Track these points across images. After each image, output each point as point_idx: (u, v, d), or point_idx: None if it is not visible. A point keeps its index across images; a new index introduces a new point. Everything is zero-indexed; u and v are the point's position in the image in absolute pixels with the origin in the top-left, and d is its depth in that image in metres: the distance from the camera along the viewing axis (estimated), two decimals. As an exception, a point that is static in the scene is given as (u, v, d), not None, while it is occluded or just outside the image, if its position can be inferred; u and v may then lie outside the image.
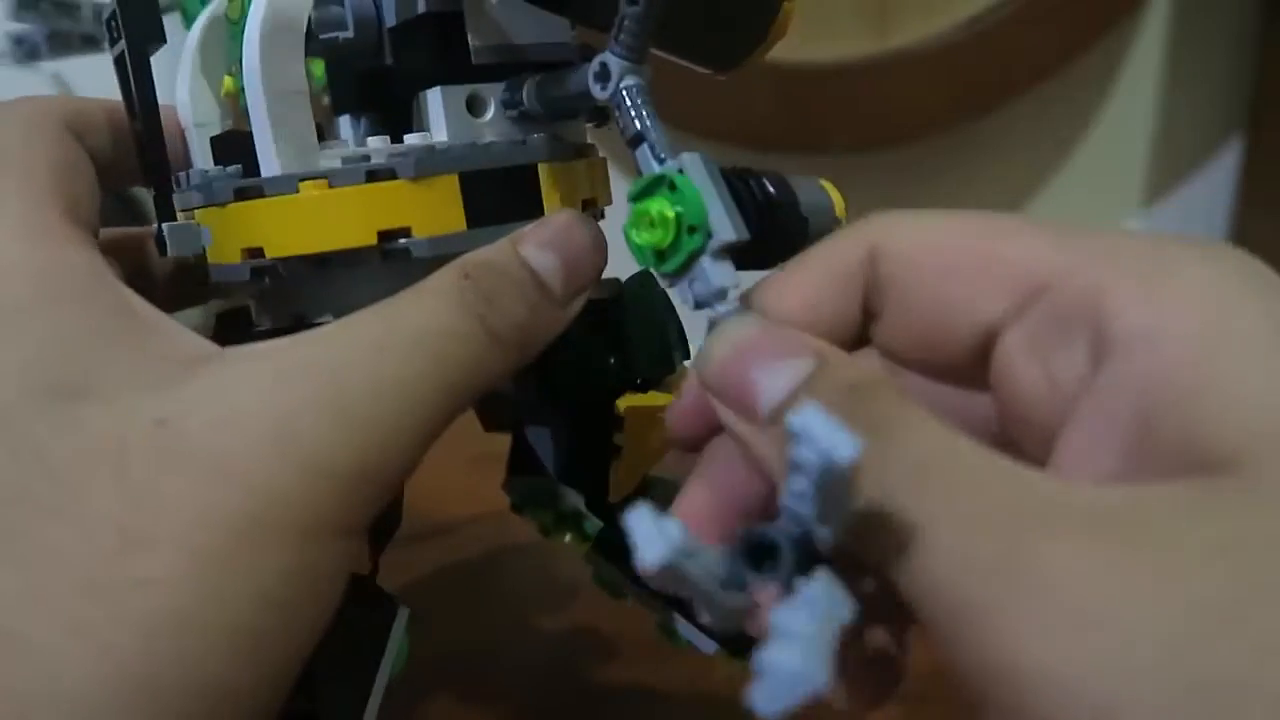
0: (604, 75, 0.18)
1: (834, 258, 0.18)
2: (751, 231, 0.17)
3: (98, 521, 0.15)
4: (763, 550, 0.14)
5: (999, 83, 0.53)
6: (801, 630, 0.12)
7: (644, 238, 0.17)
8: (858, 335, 0.18)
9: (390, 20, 0.21)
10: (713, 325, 0.17)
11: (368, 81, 0.22)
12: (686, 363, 0.24)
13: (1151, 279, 0.14)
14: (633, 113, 0.18)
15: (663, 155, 0.18)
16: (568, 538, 0.27)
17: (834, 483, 0.13)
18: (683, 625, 0.24)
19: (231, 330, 0.23)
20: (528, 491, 0.26)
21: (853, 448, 0.12)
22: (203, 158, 0.22)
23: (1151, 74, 0.58)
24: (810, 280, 0.17)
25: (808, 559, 0.13)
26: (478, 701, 0.30)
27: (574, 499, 0.25)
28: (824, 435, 0.12)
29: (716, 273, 0.17)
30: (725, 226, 0.17)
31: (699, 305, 0.17)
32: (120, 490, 0.16)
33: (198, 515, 0.15)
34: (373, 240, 0.19)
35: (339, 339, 0.17)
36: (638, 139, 0.18)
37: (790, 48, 0.57)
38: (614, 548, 0.24)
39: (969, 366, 0.17)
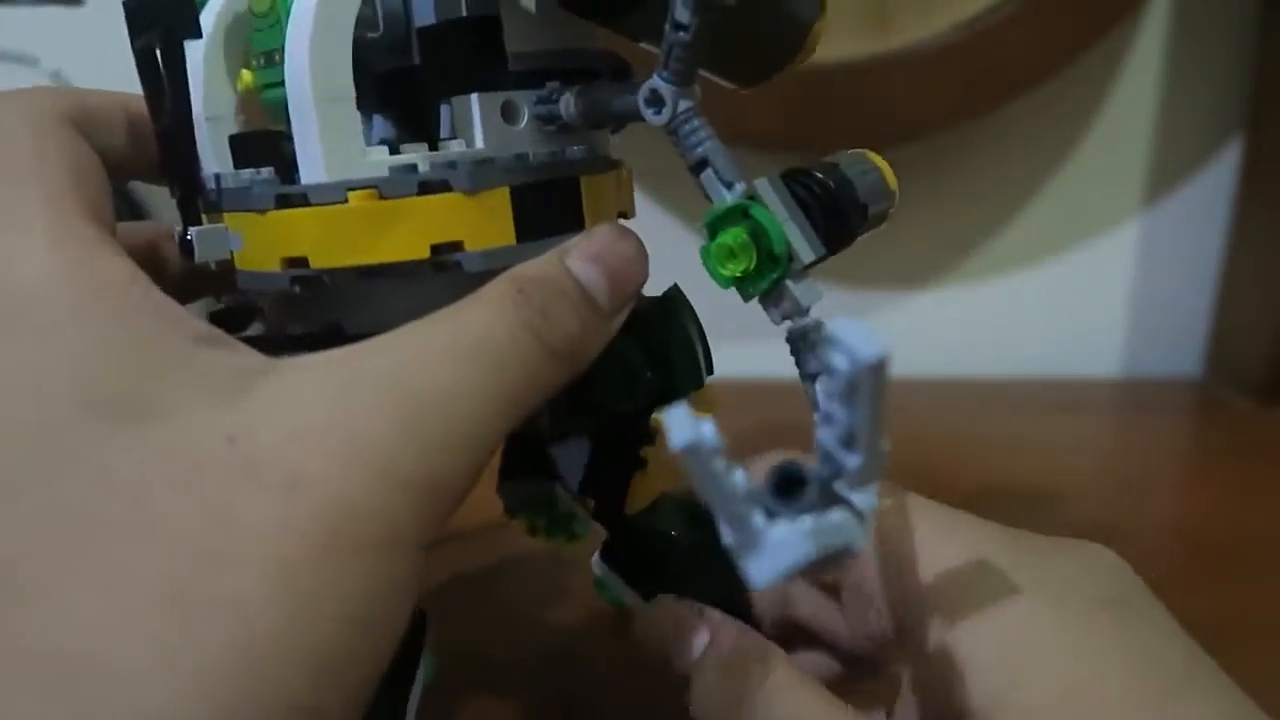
0: (656, 101, 0.18)
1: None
2: (826, 241, 0.18)
3: (178, 541, 0.15)
4: (791, 481, 0.14)
5: (999, 83, 0.53)
6: (809, 525, 0.14)
7: (728, 269, 0.18)
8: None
9: (421, 20, 0.20)
10: (792, 336, 0.18)
11: (389, 80, 0.21)
12: (709, 379, 0.24)
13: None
14: (694, 139, 0.18)
15: (730, 180, 0.18)
16: (558, 539, 0.27)
17: (861, 391, 0.13)
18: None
19: (224, 329, 0.23)
20: (522, 495, 0.26)
21: (879, 347, 0.13)
22: (214, 153, 0.21)
23: (1151, 74, 0.58)
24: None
25: (832, 499, 0.14)
26: (483, 708, 0.30)
27: (568, 501, 0.25)
28: (851, 338, 0.13)
29: (802, 293, 0.18)
30: (805, 249, 0.18)
31: (784, 320, 0.18)
32: (197, 509, 0.15)
33: (278, 532, 0.15)
34: (425, 254, 0.19)
35: (403, 349, 0.17)
36: (701, 164, 0.18)
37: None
38: (621, 558, 0.24)
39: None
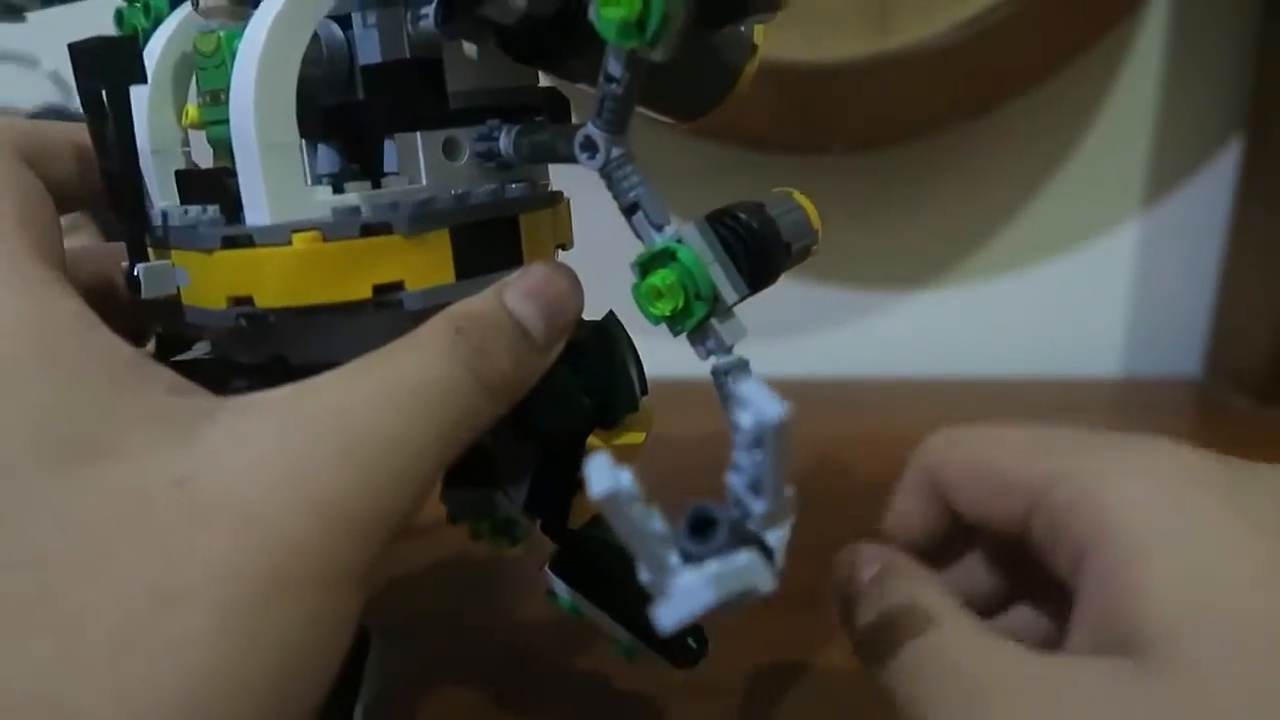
0: (590, 146, 0.19)
1: (908, 481, 0.23)
2: (748, 281, 0.19)
3: (129, 581, 0.15)
4: (704, 523, 0.15)
5: (999, 83, 0.53)
6: (714, 570, 0.15)
7: (656, 309, 0.19)
8: (951, 524, 0.23)
9: (366, 59, 0.21)
10: (716, 373, 0.19)
11: (334, 114, 0.22)
12: (644, 399, 0.25)
13: (1104, 493, 0.19)
14: (626, 184, 0.19)
15: (659, 223, 0.19)
16: (501, 543, 0.28)
17: (765, 446, 0.15)
18: (635, 642, 0.25)
19: (170, 351, 0.24)
20: (465, 503, 0.27)
21: (780, 409, 0.14)
22: (160, 186, 0.22)
23: (1151, 74, 0.58)
24: (900, 500, 0.23)
25: (744, 540, 0.15)
26: (458, 710, 0.31)
27: (508, 508, 0.26)
28: (757, 399, 0.15)
29: (727, 331, 0.19)
30: (728, 290, 0.19)
31: (709, 356, 0.19)
32: (149, 549, 0.16)
33: (227, 570, 0.16)
34: (368, 294, 0.20)
35: (341, 392, 0.18)
36: (633, 207, 0.19)
37: (790, 47, 0.57)
38: (569, 569, 0.25)
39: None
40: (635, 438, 0.24)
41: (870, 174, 0.59)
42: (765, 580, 0.15)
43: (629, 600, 0.23)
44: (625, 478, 0.14)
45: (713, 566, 0.15)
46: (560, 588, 0.26)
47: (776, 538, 0.16)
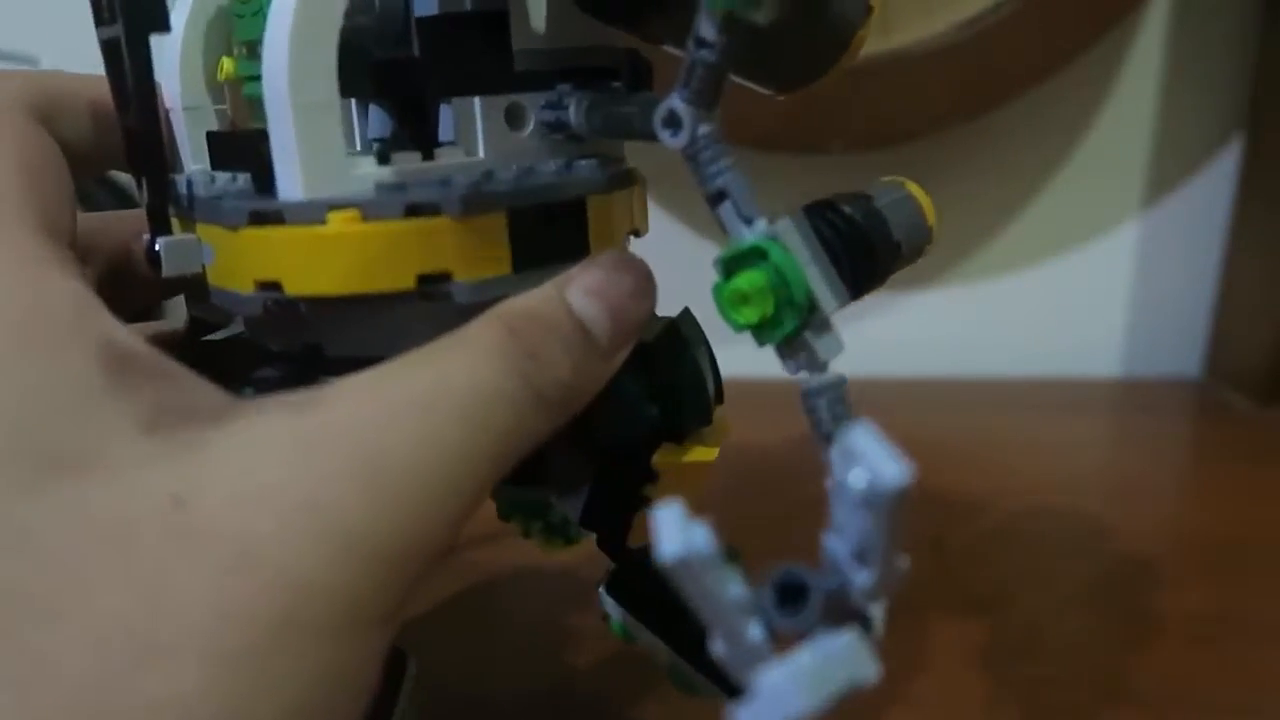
0: (674, 122, 0.16)
1: None
2: (851, 287, 0.16)
3: (104, 625, 0.13)
4: (793, 591, 0.13)
5: (999, 83, 0.53)
6: (808, 665, 0.12)
7: (741, 316, 0.16)
8: None
9: (422, 9, 0.19)
10: (807, 396, 0.16)
11: (386, 70, 0.19)
12: (719, 410, 0.22)
13: None
14: (713, 168, 0.16)
15: (749, 215, 0.16)
16: (555, 543, 0.26)
17: (875, 513, 0.12)
18: (692, 672, 0.22)
19: (204, 330, 0.21)
20: (516, 501, 0.25)
21: (902, 473, 0.11)
22: (192, 149, 0.20)
23: (1151, 74, 0.58)
24: None
25: (841, 613, 0.13)
26: None
27: (563, 508, 0.23)
28: (873, 456, 0.12)
29: (822, 345, 0.16)
30: (828, 298, 0.16)
31: (799, 372, 0.16)
32: (131, 586, 0.13)
33: (224, 615, 0.13)
34: (411, 285, 0.17)
35: (372, 399, 0.15)
36: (720, 195, 0.16)
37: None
38: (626, 590, 0.23)
39: None
40: (707, 454, 0.21)
41: (870, 174, 0.59)
42: (868, 669, 0.13)
43: (690, 629, 0.20)
44: (700, 536, 0.12)
45: (805, 658, 0.12)
46: (615, 610, 0.23)
47: (879, 611, 0.13)
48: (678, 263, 0.20)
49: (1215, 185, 0.59)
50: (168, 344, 0.17)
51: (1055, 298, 0.61)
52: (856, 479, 0.12)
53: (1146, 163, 0.59)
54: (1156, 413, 0.56)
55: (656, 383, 0.20)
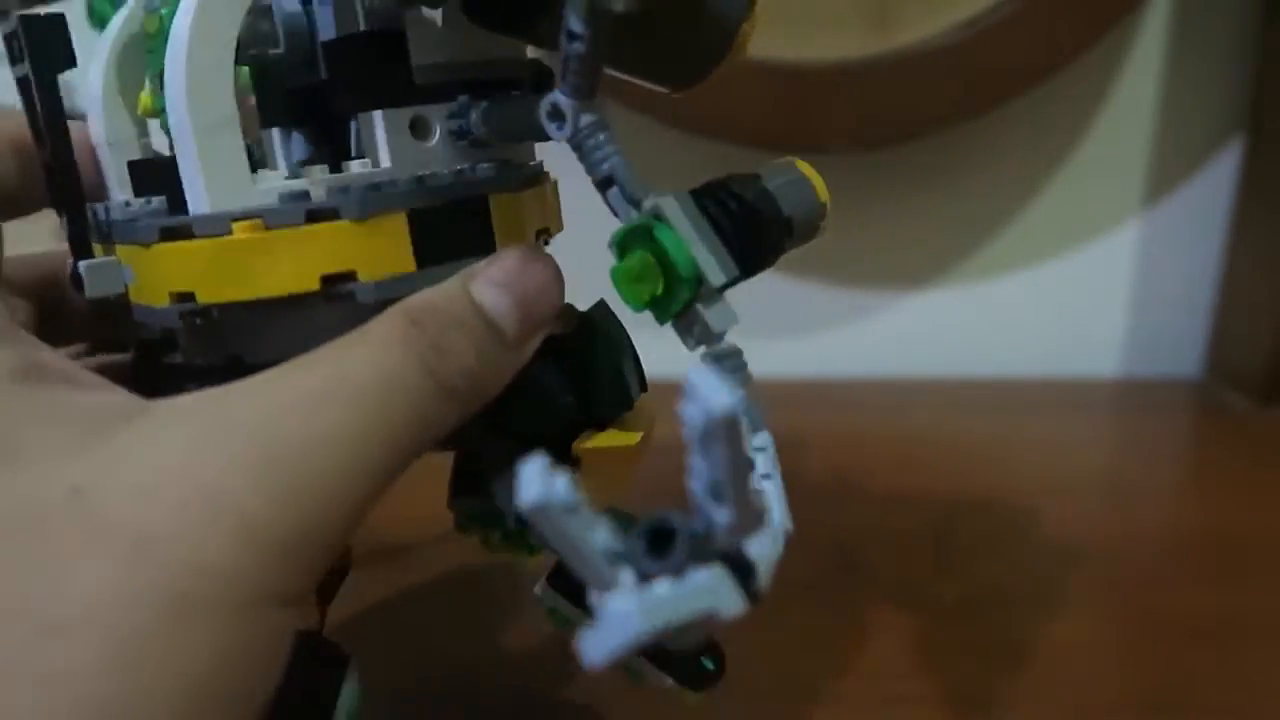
0: (557, 115, 0.17)
1: None
2: (740, 263, 0.17)
3: (9, 605, 0.14)
4: (663, 536, 0.13)
5: (999, 83, 0.53)
6: (658, 593, 0.12)
7: (634, 294, 0.17)
8: None
9: (325, 34, 0.20)
10: (707, 360, 0.16)
11: (299, 97, 0.20)
12: (642, 395, 0.22)
13: None
14: (598, 154, 0.17)
15: (636, 197, 0.17)
16: (519, 552, 0.26)
17: (713, 444, 0.12)
18: (641, 663, 0.23)
19: (152, 357, 0.22)
20: (472, 511, 0.25)
21: (729, 399, 0.12)
22: (118, 180, 0.21)
23: (1151, 74, 0.58)
24: None
25: (711, 556, 0.13)
26: None
27: (504, 506, 0.24)
28: (703, 388, 0.12)
29: (714, 317, 0.17)
30: (715, 271, 0.17)
31: (697, 346, 0.17)
32: (32, 568, 0.14)
33: (119, 596, 0.14)
34: (315, 286, 0.18)
35: (271, 393, 0.16)
36: (607, 181, 0.17)
37: (790, 47, 0.57)
38: (568, 584, 0.23)
39: None
40: (628, 438, 0.21)
41: (870, 174, 0.59)
42: (731, 601, 0.13)
43: None
44: (560, 484, 0.12)
45: (661, 588, 0.13)
46: (557, 601, 0.24)
47: (763, 550, 0.13)
48: (596, 257, 0.20)
49: (1215, 185, 0.59)
50: (114, 374, 0.18)
51: (1055, 298, 0.61)
52: (691, 412, 0.12)
53: (1146, 163, 0.59)
54: (1156, 413, 0.56)
55: (572, 371, 0.21)
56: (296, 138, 0.21)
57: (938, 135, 0.55)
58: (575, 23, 0.16)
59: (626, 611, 0.12)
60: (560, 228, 0.23)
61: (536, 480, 0.12)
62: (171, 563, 0.14)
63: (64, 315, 0.20)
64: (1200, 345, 0.60)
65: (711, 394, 0.12)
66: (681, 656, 0.23)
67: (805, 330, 0.63)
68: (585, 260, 0.21)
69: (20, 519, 0.14)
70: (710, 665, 0.23)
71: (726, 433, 0.12)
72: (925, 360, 0.62)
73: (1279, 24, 0.54)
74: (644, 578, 0.13)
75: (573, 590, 0.23)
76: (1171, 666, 0.31)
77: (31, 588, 0.14)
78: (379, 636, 0.34)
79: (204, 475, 0.15)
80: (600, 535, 0.13)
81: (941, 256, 0.62)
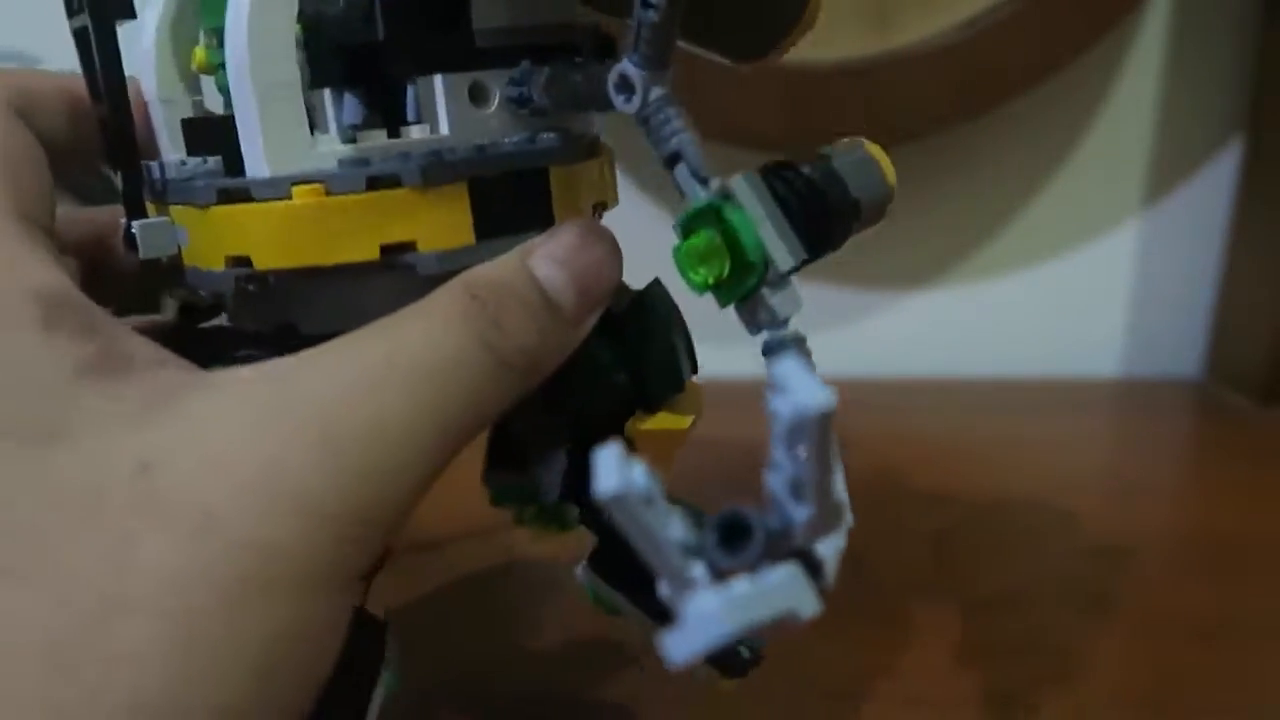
0: (626, 87, 0.16)
1: None
2: (808, 246, 0.16)
3: (72, 586, 0.14)
4: (737, 531, 0.13)
5: (999, 83, 0.53)
6: (740, 593, 0.12)
7: (698, 275, 0.16)
8: None
9: None
10: (767, 349, 0.16)
11: (354, 56, 0.20)
12: (694, 378, 0.22)
13: None
14: (666, 129, 0.16)
15: (704, 175, 0.16)
16: (550, 527, 0.25)
17: (805, 440, 0.12)
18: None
19: (195, 321, 0.22)
20: (509, 486, 0.25)
21: (823, 397, 0.12)
22: (170, 138, 0.20)
23: (1151, 74, 0.58)
24: None
25: (786, 552, 0.13)
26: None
27: (555, 493, 0.24)
28: (796, 383, 0.12)
29: (779, 302, 0.16)
30: (783, 254, 0.16)
31: (760, 331, 0.16)
32: (96, 548, 0.14)
33: (182, 576, 0.14)
34: (375, 255, 0.18)
35: (332, 370, 0.16)
36: (674, 158, 0.16)
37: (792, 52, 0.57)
38: (607, 563, 0.23)
39: None
40: (679, 421, 0.21)
41: (870, 174, 0.59)
42: (807, 602, 0.13)
43: None
44: (639, 474, 0.12)
45: (741, 587, 0.12)
46: (597, 584, 0.23)
47: (831, 549, 0.13)
48: (652, 233, 0.20)
49: (1215, 185, 0.59)
50: (158, 335, 0.18)
51: (1055, 298, 0.61)
52: (781, 406, 0.12)
53: (1146, 163, 0.59)
54: (1156, 413, 0.56)
55: (626, 350, 0.21)
56: (349, 99, 0.21)
57: (938, 135, 0.55)
58: None
59: (710, 613, 0.12)
60: (616, 201, 0.23)
61: (615, 470, 0.12)
62: (236, 542, 0.14)
63: (109, 273, 0.20)
64: (1200, 345, 0.60)
65: (805, 390, 0.12)
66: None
67: (805, 330, 0.63)
68: (634, 237, 0.20)
69: (86, 493, 0.14)
70: (746, 653, 0.22)
71: (818, 430, 0.12)
72: (925, 360, 0.62)
73: (1279, 24, 0.54)
74: (717, 572, 0.13)
75: (614, 572, 0.23)
76: (1171, 666, 0.31)
77: (97, 564, 0.14)
78: (420, 622, 0.34)
79: (268, 453, 0.15)
80: (675, 527, 0.13)
81: (941, 256, 0.62)
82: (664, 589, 0.13)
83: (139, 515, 0.14)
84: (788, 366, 0.12)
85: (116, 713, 0.13)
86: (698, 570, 0.13)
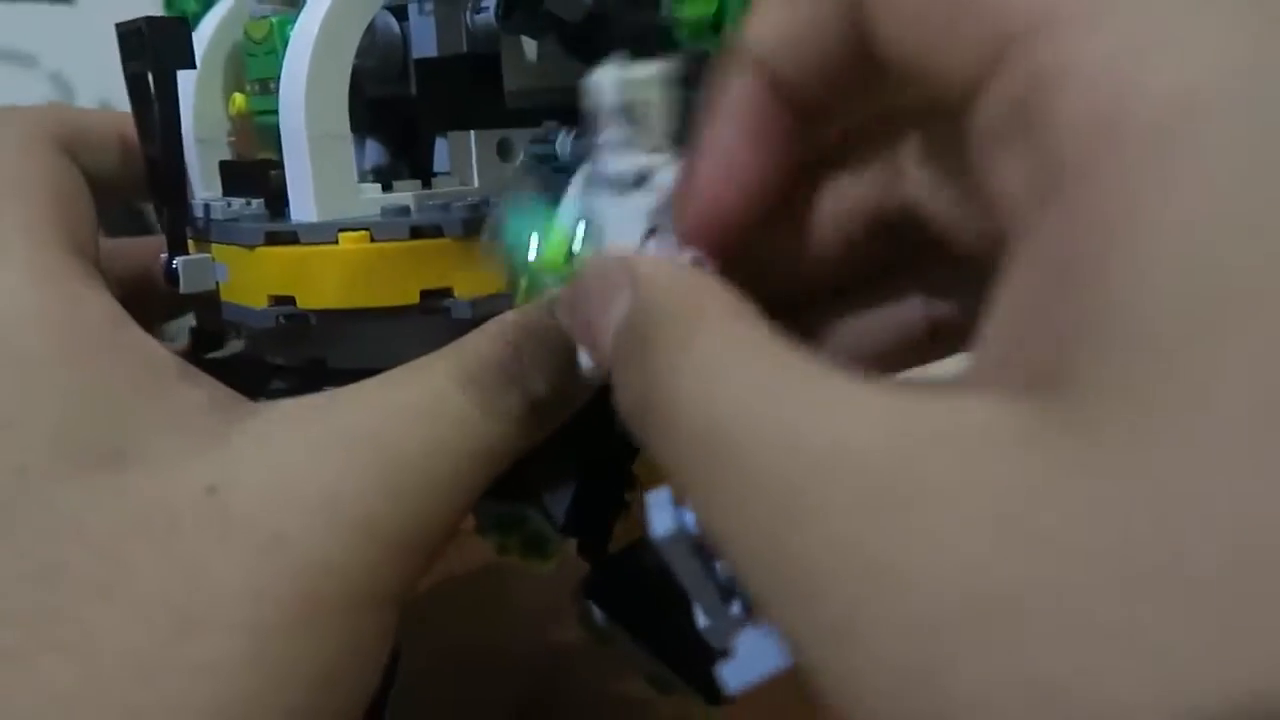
0: None
1: None
2: None
3: (149, 601, 0.14)
4: None
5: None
6: None
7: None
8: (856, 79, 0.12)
9: (420, 51, 0.20)
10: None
11: (384, 108, 0.21)
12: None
13: (1141, 59, 0.09)
14: None
15: None
16: (531, 559, 0.27)
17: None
18: (664, 671, 0.24)
19: (205, 348, 0.23)
20: (496, 515, 0.26)
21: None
22: (204, 177, 0.21)
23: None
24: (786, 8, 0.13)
25: None
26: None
27: (540, 523, 0.25)
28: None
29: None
30: None
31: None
32: (171, 566, 0.15)
33: (254, 592, 0.15)
34: (415, 299, 0.19)
35: (379, 403, 0.17)
36: None
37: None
38: (603, 593, 0.24)
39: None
40: None
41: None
42: None
43: (665, 630, 0.22)
44: (689, 518, 0.13)
45: None
46: (593, 613, 0.24)
47: None
48: None
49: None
50: None
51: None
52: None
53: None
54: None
55: None
56: (371, 145, 0.22)
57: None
58: None
59: (765, 647, 0.13)
60: None
61: (668, 513, 0.13)
62: (303, 562, 0.15)
63: (146, 302, 0.20)
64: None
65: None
66: (703, 671, 0.24)
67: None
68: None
69: (155, 519, 0.15)
70: None
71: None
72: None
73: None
74: (748, 609, 0.14)
75: (611, 603, 0.24)
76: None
77: (170, 582, 0.15)
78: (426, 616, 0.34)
79: (325, 477, 0.16)
80: (719, 566, 0.14)
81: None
82: (701, 620, 0.14)
83: (210, 535, 0.15)
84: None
85: (196, 719, 0.14)
86: (735, 607, 0.14)
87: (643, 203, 0.15)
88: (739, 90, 0.13)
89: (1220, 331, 0.08)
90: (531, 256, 0.17)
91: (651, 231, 0.15)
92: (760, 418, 0.10)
